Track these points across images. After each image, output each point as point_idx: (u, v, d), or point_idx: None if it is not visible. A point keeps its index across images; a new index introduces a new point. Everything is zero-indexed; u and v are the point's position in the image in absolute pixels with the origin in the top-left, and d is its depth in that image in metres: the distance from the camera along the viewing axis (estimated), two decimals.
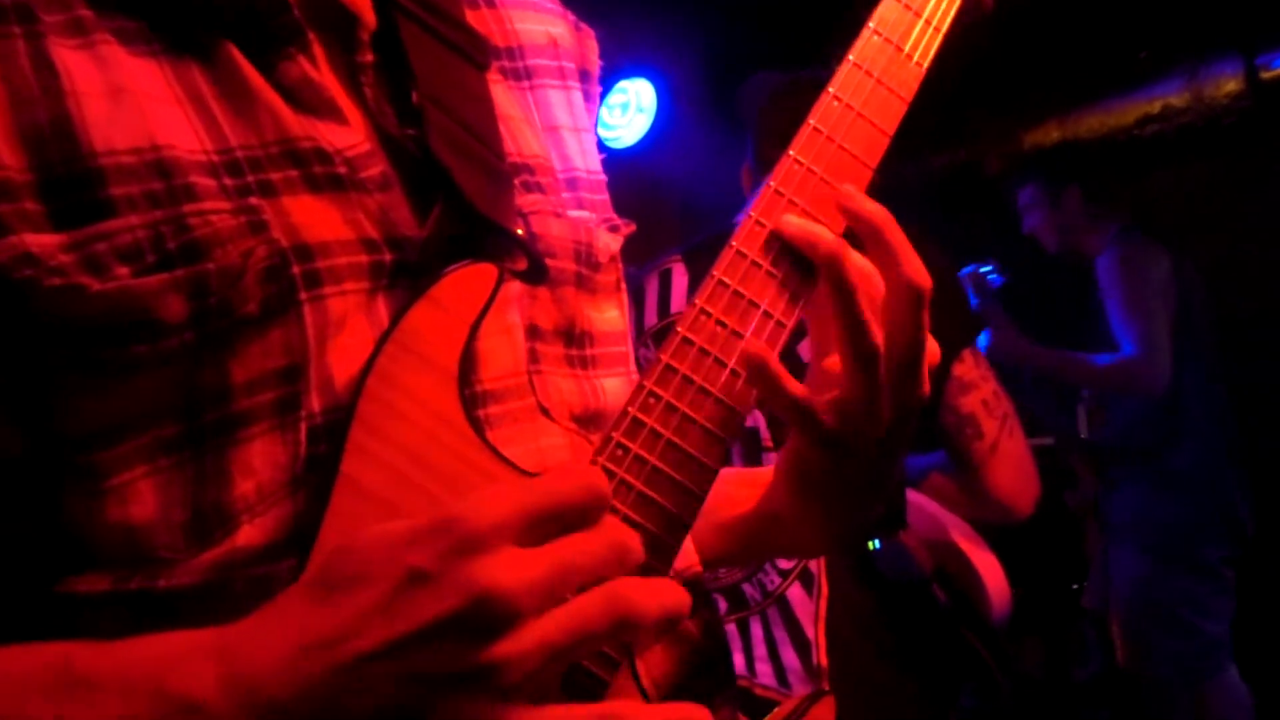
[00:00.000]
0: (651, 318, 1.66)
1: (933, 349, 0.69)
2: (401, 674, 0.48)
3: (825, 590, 1.38)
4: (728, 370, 0.65)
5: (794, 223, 0.67)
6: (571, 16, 0.85)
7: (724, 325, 0.66)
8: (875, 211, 0.67)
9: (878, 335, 0.65)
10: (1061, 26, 3.48)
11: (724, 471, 0.66)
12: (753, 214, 0.69)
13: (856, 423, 0.66)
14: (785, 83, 1.88)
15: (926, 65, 0.75)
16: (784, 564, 1.43)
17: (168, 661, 0.50)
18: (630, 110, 3.49)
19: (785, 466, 0.76)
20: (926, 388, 0.69)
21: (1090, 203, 3.14)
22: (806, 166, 0.70)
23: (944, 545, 1.49)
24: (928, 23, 0.76)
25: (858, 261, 0.66)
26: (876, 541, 1.40)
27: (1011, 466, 1.56)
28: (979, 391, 1.55)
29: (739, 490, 0.80)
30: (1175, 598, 2.96)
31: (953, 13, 0.76)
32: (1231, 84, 3.66)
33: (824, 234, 0.66)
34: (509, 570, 0.48)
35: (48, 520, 0.56)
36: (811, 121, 0.72)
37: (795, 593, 1.40)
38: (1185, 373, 2.89)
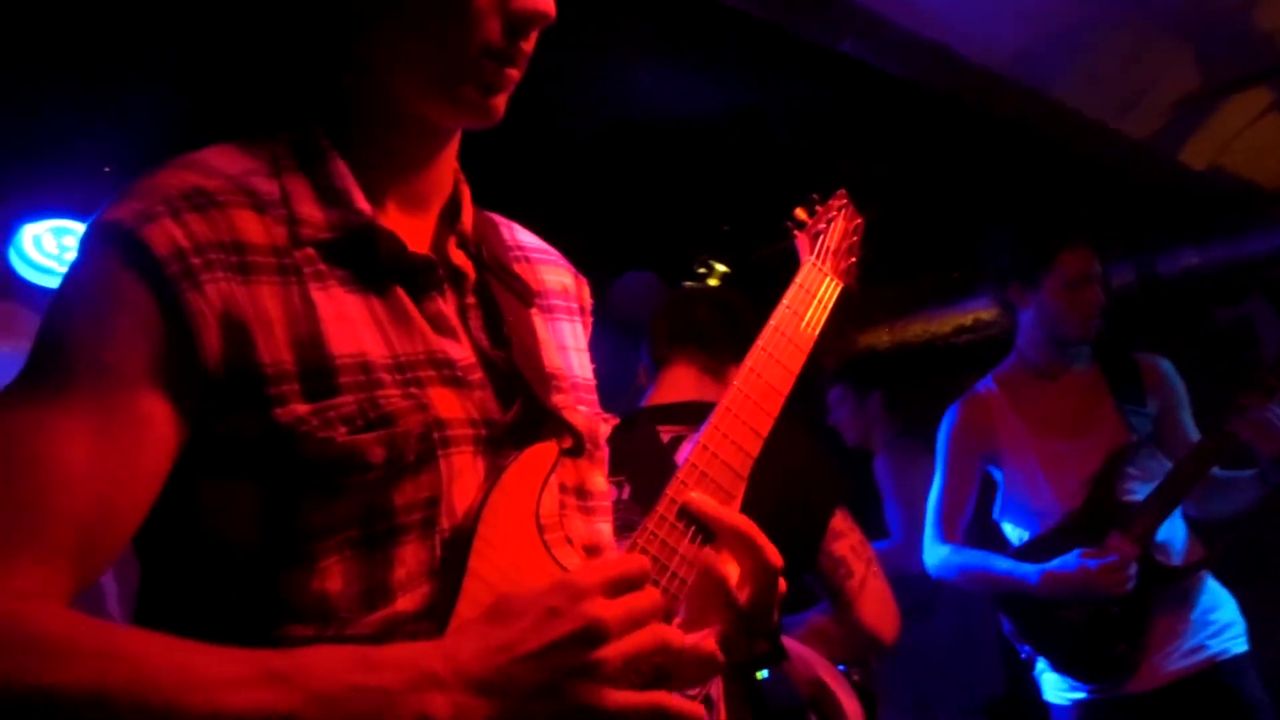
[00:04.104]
0: None
1: (781, 588, 0.99)
2: (545, 665, 0.78)
3: (724, 716, 1.65)
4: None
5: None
6: (573, 269, 1.19)
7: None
8: (739, 520, 0.98)
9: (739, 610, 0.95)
10: (893, 246, 4.06)
11: None
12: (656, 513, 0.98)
13: (731, 644, 0.97)
14: (675, 295, 2.28)
15: (817, 332, 1.14)
16: (690, 690, 1.69)
17: (412, 653, 0.78)
18: None
19: None
20: (777, 617, 1.00)
21: (889, 409, 3.73)
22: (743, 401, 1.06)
23: (814, 680, 1.79)
24: (821, 304, 1.15)
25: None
26: (765, 672, 1.69)
27: (877, 601, 1.90)
28: (848, 539, 1.90)
29: None
30: None
31: (835, 298, 1.16)
32: None
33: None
34: (603, 609, 0.80)
35: (267, 589, 0.83)
36: (736, 382, 1.08)
37: None
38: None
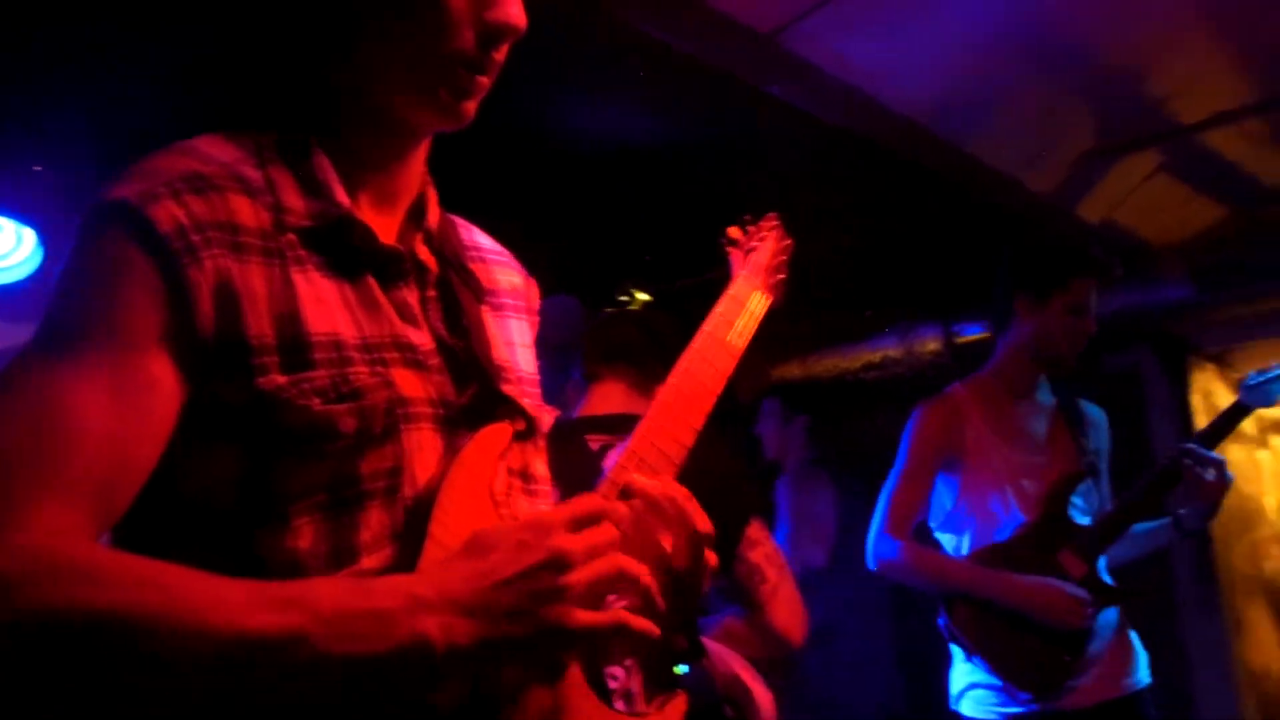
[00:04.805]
0: None
1: (711, 559, 1.09)
2: (519, 590, 0.87)
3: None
4: None
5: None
6: (523, 271, 1.27)
7: None
8: (673, 489, 1.08)
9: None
10: (806, 281, 4.23)
11: None
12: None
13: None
14: (607, 316, 2.39)
15: (747, 340, 1.25)
16: (610, 685, 1.77)
17: (404, 582, 0.87)
18: None
19: None
20: (707, 583, 1.09)
21: (809, 436, 3.89)
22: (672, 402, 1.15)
23: (730, 675, 1.89)
24: (750, 314, 1.26)
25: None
26: (684, 667, 1.78)
27: (788, 606, 2.01)
28: (763, 547, 2.01)
29: None
30: None
31: (764, 310, 1.27)
32: (934, 344, 4.50)
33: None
34: (567, 542, 0.89)
35: (240, 547, 0.90)
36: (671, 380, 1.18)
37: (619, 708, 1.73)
38: (838, 576, 3.65)
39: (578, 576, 0.89)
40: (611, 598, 0.98)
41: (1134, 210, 3.94)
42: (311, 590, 0.84)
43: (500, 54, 1.01)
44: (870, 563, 2.67)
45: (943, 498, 2.75)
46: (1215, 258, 3.75)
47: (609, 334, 2.23)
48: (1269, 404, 2.70)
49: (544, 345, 2.50)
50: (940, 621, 2.63)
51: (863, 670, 3.68)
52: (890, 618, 3.86)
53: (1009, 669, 2.52)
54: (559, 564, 0.88)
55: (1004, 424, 2.70)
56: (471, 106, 1.02)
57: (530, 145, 3.07)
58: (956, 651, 2.65)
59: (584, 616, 0.89)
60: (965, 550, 2.68)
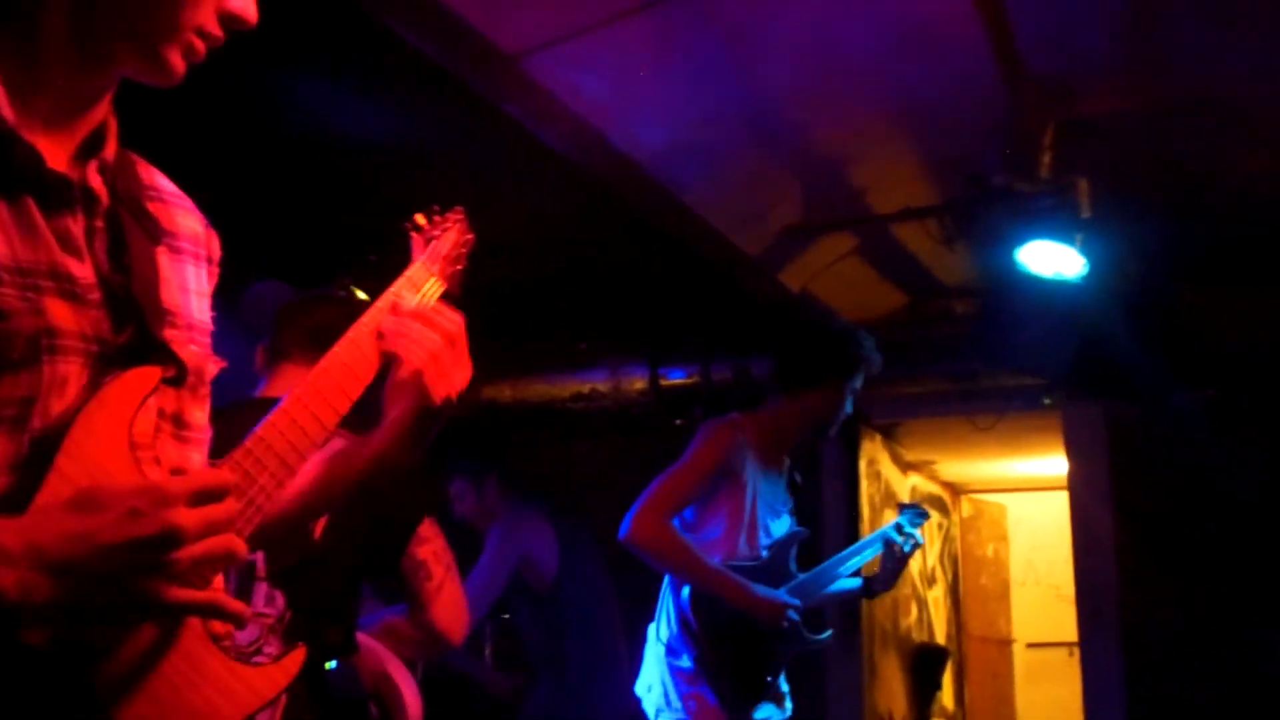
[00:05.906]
0: None
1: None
2: (117, 558, 0.84)
3: (283, 702, 1.68)
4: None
5: None
6: (204, 220, 1.24)
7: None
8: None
9: None
10: (524, 305, 4.30)
11: None
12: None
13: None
14: (302, 297, 2.33)
15: None
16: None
17: None
18: None
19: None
20: None
21: (504, 487, 3.86)
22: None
23: (379, 672, 1.88)
24: (424, 298, 1.27)
25: None
26: (334, 662, 1.76)
27: (450, 604, 2.03)
28: (432, 545, 2.02)
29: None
30: None
31: (436, 297, 1.29)
32: (640, 384, 4.71)
33: None
34: (182, 517, 0.87)
35: None
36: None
37: None
38: (570, 605, 3.70)
39: (184, 554, 0.87)
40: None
41: (828, 285, 4.30)
42: None
43: (223, 37, 1.03)
44: (623, 531, 2.79)
45: (689, 515, 3.00)
46: (889, 339, 4.15)
47: (310, 315, 2.18)
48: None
49: (254, 331, 2.39)
50: (680, 604, 2.85)
51: (580, 690, 3.70)
52: (623, 639, 3.87)
53: (727, 678, 2.83)
54: (168, 540, 0.86)
55: (769, 469, 3.08)
56: (184, 69, 1.02)
57: (262, 125, 2.98)
58: (661, 653, 2.88)
59: (179, 594, 0.88)
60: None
